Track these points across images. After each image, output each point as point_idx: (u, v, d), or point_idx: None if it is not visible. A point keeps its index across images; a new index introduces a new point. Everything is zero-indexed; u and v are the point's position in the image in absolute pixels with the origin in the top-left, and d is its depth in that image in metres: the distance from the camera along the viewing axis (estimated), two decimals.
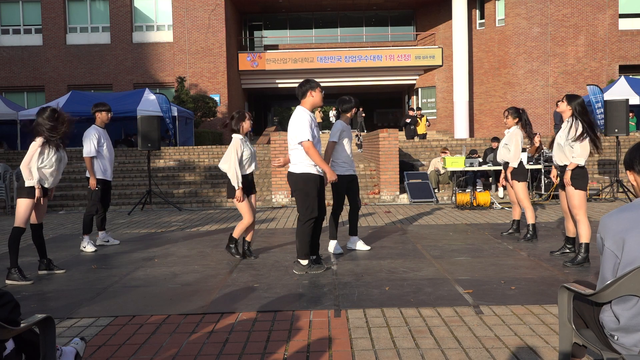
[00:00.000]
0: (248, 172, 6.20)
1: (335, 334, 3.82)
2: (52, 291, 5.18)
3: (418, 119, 20.27)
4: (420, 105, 27.58)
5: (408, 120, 19.87)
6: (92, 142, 7.07)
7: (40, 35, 24.69)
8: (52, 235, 8.68)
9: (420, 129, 20.33)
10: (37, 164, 5.48)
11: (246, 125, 6.20)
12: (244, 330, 3.94)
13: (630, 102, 16.24)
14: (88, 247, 7.15)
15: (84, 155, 7.09)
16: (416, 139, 19.20)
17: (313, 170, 5.41)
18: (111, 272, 5.90)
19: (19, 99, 24.72)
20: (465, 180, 12.75)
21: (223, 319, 4.21)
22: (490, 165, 12.02)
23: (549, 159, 12.04)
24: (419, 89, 28.82)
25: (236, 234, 6.35)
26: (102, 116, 7.24)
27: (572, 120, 5.77)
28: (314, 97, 5.47)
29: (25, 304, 4.65)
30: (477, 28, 26.03)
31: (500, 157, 7.32)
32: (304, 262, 5.53)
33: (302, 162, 5.40)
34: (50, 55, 24.56)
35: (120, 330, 4.04)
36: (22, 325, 2.43)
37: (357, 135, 22.13)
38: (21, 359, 2.67)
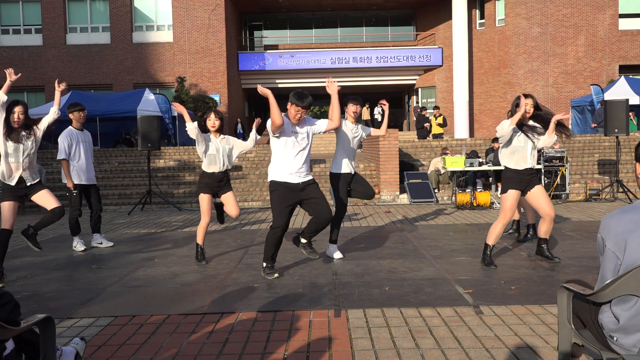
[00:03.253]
0: (210, 171, 6.05)
1: (335, 334, 3.82)
2: (52, 291, 5.18)
3: (432, 118, 19.51)
4: (423, 105, 27.51)
5: (426, 125, 19.15)
6: (63, 144, 6.91)
7: (40, 35, 24.69)
8: (51, 235, 8.68)
9: (434, 129, 19.05)
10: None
11: (208, 123, 6.06)
12: (244, 330, 3.94)
13: (630, 102, 16.23)
14: (78, 246, 7.15)
15: (57, 158, 6.99)
16: (430, 138, 18.86)
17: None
18: (111, 272, 5.90)
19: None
20: (465, 180, 12.75)
21: (223, 319, 4.21)
22: (490, 165, 12.03)
23: (549, 159, 12.05)
24: (419, 89, 28.82)
25: (199, 239, 6.24)
26: (74, 116, 7.05)
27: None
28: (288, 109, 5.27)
29: (25, 304, 4.65)
30: (477, 28, 26.03)
31: None
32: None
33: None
34: (50, 55, 24.57)
35: (120, 330, 4.04)
36: (22, 325, 2.43)
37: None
38: (21, 359, 2.66)
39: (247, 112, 30.59)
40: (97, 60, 24.62)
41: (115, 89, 24.22)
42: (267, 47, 29.58)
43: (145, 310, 4.47)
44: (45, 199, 5.74)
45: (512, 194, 5.54)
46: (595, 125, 16.59)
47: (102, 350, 3.65)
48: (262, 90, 5.13)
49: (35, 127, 5.73)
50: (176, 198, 13.08)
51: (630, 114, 17.14)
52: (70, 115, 7.08)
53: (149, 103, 17.94)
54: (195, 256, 6.37)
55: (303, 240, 5.45)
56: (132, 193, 13.33)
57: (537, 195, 5.57)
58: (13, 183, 5.60)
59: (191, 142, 19.90)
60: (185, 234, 8.46)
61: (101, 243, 7.43)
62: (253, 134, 6.19)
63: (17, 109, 5.55)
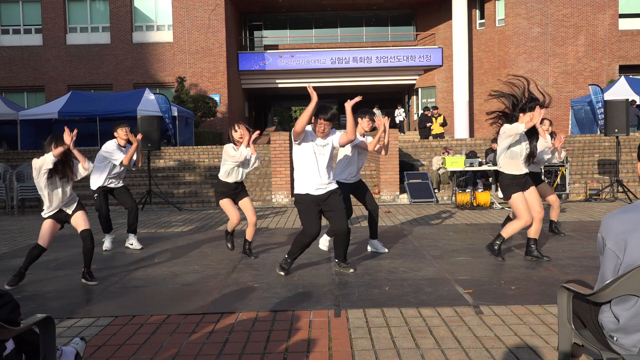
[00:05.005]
0: (228, 181, 6.17)
1: (335, 334, 3.82)
2: (52, 291, 5.18)
3: (433, 119, 19.14)
4: (425, 105, 27.46)
5: (429, 124, 18.96)
6: (100, 155, 7.10)
7: (40, 35, 24.68)
8: None
9: (435, 129, 18.95)
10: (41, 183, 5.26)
11: (235, 135, 6.09)
12: (244, 330, 3.94)
13: None
14: (105, 244, 7.28)
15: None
16: (430, 138, 18.81)
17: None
18: (111, 272, 5.90)
19: (19, 99, 24.71)
20: (465, 180, 12.75)
21: (223, 319, 4.21)
22: (490, 165, 12.03)
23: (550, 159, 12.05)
24: (419, 89, 28.81)
25: (230, 229, 6.52)
26: (118, 134, 7.11)
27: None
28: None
29: (25, 304, 4.65)
30: (477, 28, 26.03)
31: None
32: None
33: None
34: (50, 55, 24.56)
35: (120, 330, 4.04)
36: (22, 325, 2.43)
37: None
38: (21, 359, 2.67)
39: (247, 112, 30.58)
40: (97, 60, 24.61)
41: (115, 89, 24.21)
42: (267, 47, 29.57)
43: (145, 310, 4.47)
44: (77, 221, 5.51)
45: (519, 196, 5.81)
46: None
47: (102, 350, 3.65)
48: (311, 90, 5.04)
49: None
50: (176, 198, 13.08)
51: None
52: (115, 134, 7.13)
53: (149, 103, 17.94)
54: (225, 237, 6.63)
55: (336, 261, 5.68)
56: (132, 193, 13.31)
57: (531, 196, 5.90)
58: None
59: (191, 143, 19.92)
60: (185, 234, 8.46)
61: (132, 244, 7.36)
62: (254, 160, 6.20)
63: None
